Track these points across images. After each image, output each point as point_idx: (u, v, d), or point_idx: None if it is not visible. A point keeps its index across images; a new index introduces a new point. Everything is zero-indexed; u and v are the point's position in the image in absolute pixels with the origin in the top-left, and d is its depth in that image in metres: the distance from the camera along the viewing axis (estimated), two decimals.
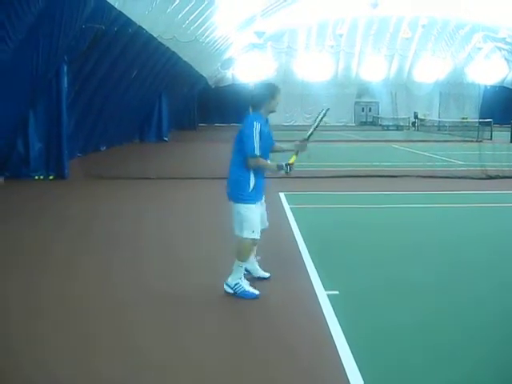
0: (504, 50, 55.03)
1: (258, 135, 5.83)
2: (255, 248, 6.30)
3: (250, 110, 6.10)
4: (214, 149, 26.82)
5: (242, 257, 6.02)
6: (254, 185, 5.96)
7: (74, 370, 4.39)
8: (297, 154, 6.22)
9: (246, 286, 6.00)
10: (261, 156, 5.90)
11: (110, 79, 20.64)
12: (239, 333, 5.23)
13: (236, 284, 5.97)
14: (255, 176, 5.97)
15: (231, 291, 5.99)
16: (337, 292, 6.09)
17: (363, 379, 4.18)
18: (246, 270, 6.28)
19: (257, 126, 5.84)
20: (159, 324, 5.35)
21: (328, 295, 5.97)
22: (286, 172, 5.99)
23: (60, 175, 15.03)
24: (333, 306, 5.64)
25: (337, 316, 5.39)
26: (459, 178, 15.53)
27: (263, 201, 6.27)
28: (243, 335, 5.17)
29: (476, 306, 5.85)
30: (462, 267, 7.21)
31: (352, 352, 4.63)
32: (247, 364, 4.57)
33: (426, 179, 15.30)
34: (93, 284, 6.51)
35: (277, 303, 5.96)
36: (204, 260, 7.53)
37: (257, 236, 5.98)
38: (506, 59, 56.87)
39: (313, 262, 7.21)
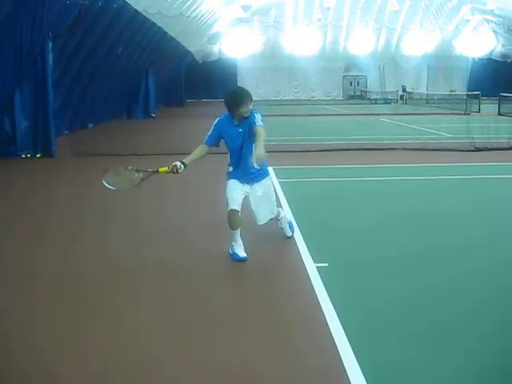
0: (492, 22, 54.87)
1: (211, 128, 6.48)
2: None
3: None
4: (202, 124, 26.76)
5: (229, 226, 6.40)
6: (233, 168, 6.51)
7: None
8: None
9: (237, 248, 6.37)
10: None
11: (96, 55, 20.47)
12: (228, 306, 5.25)
13: (231, 246, 6.43)
14: (231, 161, 6.54)
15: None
16: (326, 264, 6.12)
17: (352, 348, 4.22)
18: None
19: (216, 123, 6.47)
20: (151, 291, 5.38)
21: (317, 267, 6.00)
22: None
23: (47, 153, 14.94)
24: (322, 278, 5.68)
25: (326, 288, 5.43)
26: (447, 150, 15.58)
27: (255, 189, 6.50)
28: (231, 308, 5.19)
29: (468, 280, 5.82)
30: (451, 239, 7.24)
31: (341, 322, 4.66)
32: (235, 335, 4.61)
33: (415, 152, 15.33)
34: (91, 259, 6.52)
35: (266, 276, 5.99)
36: (198, 230, 7.55)
37: (231, 207, 6.30)
38: (493, 31, 56.73)
39: (302, 235, 7.24)
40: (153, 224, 8.25)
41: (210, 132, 6.49)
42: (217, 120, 6.52)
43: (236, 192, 6.38)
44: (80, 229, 7.99)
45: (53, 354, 4.29)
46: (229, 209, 6.33)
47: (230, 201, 6.34)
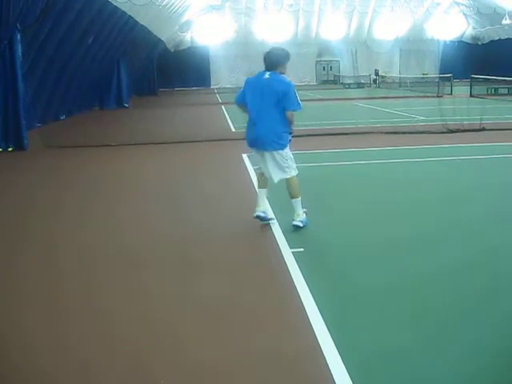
0: (462, 4, 55.16)
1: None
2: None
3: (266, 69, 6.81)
4: (175, 113, 26.65)
5: (297, 192, 6.94)
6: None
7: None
8: None
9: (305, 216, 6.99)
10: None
11: (66, 46, 20.21)
12: (201, 294, 5.23)
13: (304, 218, 6.94)
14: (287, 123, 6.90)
15: (302, 225, 6.86)
16: (302, 249, 6.14)
17: (330, 333, 4.24)
18: (263, 211, 7.10)
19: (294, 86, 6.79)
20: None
21: (293, 252, 6.02)
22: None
23: (19, 146, 14.72)
24: (298, 263, 5.69)
25: (302, 272, 5.45)
26: (421, 132, 15.69)
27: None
28: (208, 296, 5.18)
29: (448, 270, 5.73)
30: (430, 226, 7.20)
31: (317, 306, 4.69)
32: (210, 323, 4.59)
33: (388, 135, 15.42)
34: (70, 257, 6.47)
35: (242, 261, 6.00)
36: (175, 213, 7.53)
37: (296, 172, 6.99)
38: (464, 14, 57.03)
39: (277, 219, 7.25)
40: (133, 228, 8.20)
41: (297, 96, 6.85)
42: (292, 83, 6.89)
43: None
44: (56, 224, 7.92)
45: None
46: (296, 173, 7.01)
47: (295, 166, 7.02)
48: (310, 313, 4.57)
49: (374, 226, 7.23)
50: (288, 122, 6.83)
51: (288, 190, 6.97)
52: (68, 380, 3.82)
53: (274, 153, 6.81)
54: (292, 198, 6.95)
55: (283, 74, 6.82)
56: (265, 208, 7.17)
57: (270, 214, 7.33)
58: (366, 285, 5.23)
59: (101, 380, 3.82)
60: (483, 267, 5.66)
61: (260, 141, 6.84)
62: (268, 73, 6.74)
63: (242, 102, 6.95)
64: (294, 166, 6.98)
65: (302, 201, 6.99)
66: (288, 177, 6.93)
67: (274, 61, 6.78)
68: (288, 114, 6.75)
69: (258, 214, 7.01)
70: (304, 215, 6.95)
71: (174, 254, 6.29)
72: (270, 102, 6.65)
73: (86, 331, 4.49)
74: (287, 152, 6.88)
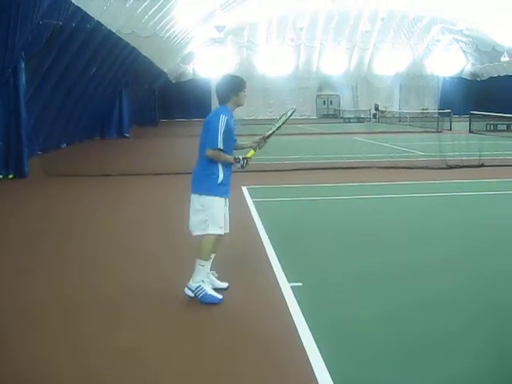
0: (461, 41, 55.89)
1: (223, 128, 5.64)
2: (211, 261, 5.89)
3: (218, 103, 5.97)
4: (176, 144, 26.77)
5: (205, 255, 5.70)
6: (223, 179, 5.74)
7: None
8: (255, 150, 6.11)
9: (209, 288, 5.69)
10: (223, 150, 5.69)
11: (70, 76, 20.40)
12: (204, 327, 5.22)
13: (198, 287, 5.64)
14: (223, 169, 5.76)
15: (192, 294, 5.67)
16: (300, 284, 6.12)
17: (328, 369, 4.21)
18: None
19: (223, 119, 5.66)
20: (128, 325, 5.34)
21: (291, 287, 6.01)
22: (242, 166, 5.83)
23: (20, 174, 14.78)
24: (296, 298, 5.68)
25: (300, 307, 5.43)
26: (420, 168, 15.75)
27: (228, 202, 5.96)
28: (208, 329, 5.16)
29: (442, 299, 5.83)
30: (425, 258, 7.26)
31: (316, 342, 4.66)
32: (212, 358, 4.57)
33: (387, 170, 15.48)
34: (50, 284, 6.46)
35: (241, 297, 5.95)
36: (156, 259, 7.52)
37: (222, 232, 5.77)
38: (463, 51, 57.77)
39: (276, 254, 7.25)
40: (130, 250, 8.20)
41: (218, 132, 5.63)
42: (222, 116, 5.71)
43: (223, 215, 5.80)
44: (48, 251, 7.92)
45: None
46: (217, 233, 5.74)
47: (222, 225, 5.73)
48: (310, 354, 4.51)
49: (373, 257, 7.25)
50: (210, 162, 5.74)
51: (197, 247, 5.80)
52: None
53: (199, 198, 5.76)
54: (197, 257, 5.76)
55: (238, 106, 5.97)
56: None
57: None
58: (364, 318, 5.21)
59: None
60: (479, 296, 5.67)
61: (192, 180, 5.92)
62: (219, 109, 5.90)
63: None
64: (217, 222, 5.71)
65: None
66: (199, 234, 5.77)
67: (220, 95, 5.94)
68: (206, 152, 5.70)
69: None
70: (200, 283, 5.65)
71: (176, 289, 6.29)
72: (201, 138, 5.89)
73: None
74: (213, 202, 5.72)
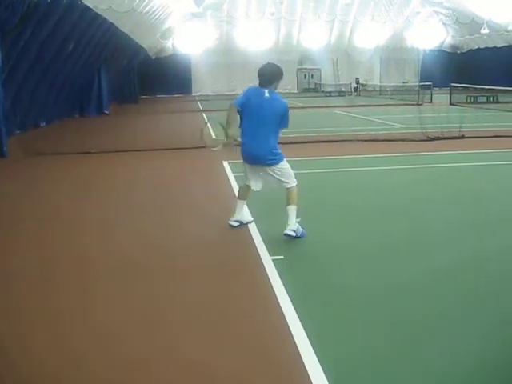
0: (441, 14, 55.74)
1: None
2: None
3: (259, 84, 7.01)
4: (156, 120, 26.61)
5: (297, 200, 6.91)
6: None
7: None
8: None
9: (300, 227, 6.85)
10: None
11: (47, 53, 20.10)
12: (185, 299, 5.24)
13: (298, 227, 6.80)
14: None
15: (294, 234, 6.74)
16: (282, 256, 6.16)
17: (310, 342, 4.25)
18: (238, 220, 7.34)
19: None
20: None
21: (273, 260, 6.04)
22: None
23: None
24: (278, 271, 5.71)
25: (282, 280, 5.47)
26: (400, 140, 15.80)
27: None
28: (190, 302, 5.18)
29: (425, 272, 5.86)
30: (405, 230, 7.32)
31: (298, 315, 4.69)
32: (195, 329, 4.60)
33: (368, 143, 15.50)
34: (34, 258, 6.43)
35: (222, 270, 5.99)
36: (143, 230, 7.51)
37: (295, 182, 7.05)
38: (443, 23, 57.62)
39: (257, 228, 7.28)
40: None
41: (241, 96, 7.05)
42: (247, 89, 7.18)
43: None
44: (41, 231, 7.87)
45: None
46: (296, 183, 7.01)
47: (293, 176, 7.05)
48: (291, 323, 4.56)
49: (351, 230, 7.32)
50: (276, 140, 7.08)
51: (286, 196, 6.98)
52: None
53: (273, 168, 6.97)
54: (288, 204, 6.93)
55: (275, 89, 7.06)
56: (241, 217, 7.40)
57: (248, 216, 7.60)
58: (348, 291, 5.27)
59: None
60: (469, 271, 5.73)
61: (257, 158, 7.00)
62: (267, 91, 6.93)
63: (239, 108, 6.98)
64: (293, 176, 7.05)
65: (256, 212, 7.16)
66: (288, 187, 7.00)
67: (271, 78, 7.00)
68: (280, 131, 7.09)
69: (231, 223, 7.33)
70: (297, 224, 6.85)
71: (159, 258, 6.29)
72: (270, 121, 6.89)
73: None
74: (284, 164, 7.04)
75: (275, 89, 7.07)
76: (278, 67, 7.20)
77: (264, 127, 6.86)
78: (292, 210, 6.86)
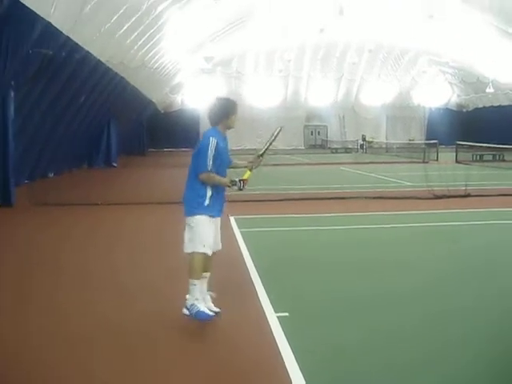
0: (447, 73, 56.56)
1: (213, 151, 5.75)
2: (206, 280, 6.01)
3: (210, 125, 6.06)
4: (164, 174, 26.77)
5: (194, 274, 5.78)
6: (211, 199, 5.84)
7: None
8: (251, 170, 6.18)
9: (202, 306, 5.77)
10: (216, 172, 5.83)
11: (59, 105, 20.40)
12: (191, 358, 5.18)
13: (191, 305, 5.76)
14: (212, 191, 5.87)
15: (188, 313, 5.79)
16: (286, 314, 6.11)
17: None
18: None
19: (213, 142, 5.77)
20: (116, 354, 5.29)
21: (278, 317, 5.99)
22: (240, 188, 5.94)
23: (6, 202, 14.69)
24: (283, 328, 5.66)
25: (287, 338, 5.42)
26: (407, 198, 15.82)
27: (219, 222, 6.08)
28: (195, 360, 5.12)
29: (425, 327, 5.86)
30: (409, 286, 7.31)
31: (302, 374, 4.64)
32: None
33: (375, 200, 15.52)
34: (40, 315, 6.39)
35: (227, 327, 5.92)
36: (152, 284, 7.47)
37: (208, 251, 5.81)
38: (449, 82, 58.44)
39: (263, 284, 7.24)
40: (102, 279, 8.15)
41: (207, 155, 5.74)
42: (211, 138, 5.81)
43: (211, 234, 5.84)
44: (33, 280, 7.86)
45: None
46: (204, 252, 5.77)
47: (205, 243, 5.76)
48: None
49: (356, 286, 7.29)
50: (197, 184, 5.88)
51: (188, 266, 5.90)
52: None
53: (186, 219, 5.96)
54: (189, 277, 5.88)
55: (229, 128, 6.07)
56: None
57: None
58: (350, 349, 5.21)
59: None
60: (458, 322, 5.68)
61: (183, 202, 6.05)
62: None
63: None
64: (201, 241, 5.78)
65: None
66: (189, 251, 5.89)
67: (211, 116, 6.03)
68: (200, 176, 5.83)
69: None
70: (194, 301, 5.75)
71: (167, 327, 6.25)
72: (192, 162, 6.01)
73: None
74: (195, 219, 5.83)
75: (227, 127, 6.03)
76: (225, 100, 6.13)
77: (189, 170, 6.01)
78: (190, 283, 5.84)
